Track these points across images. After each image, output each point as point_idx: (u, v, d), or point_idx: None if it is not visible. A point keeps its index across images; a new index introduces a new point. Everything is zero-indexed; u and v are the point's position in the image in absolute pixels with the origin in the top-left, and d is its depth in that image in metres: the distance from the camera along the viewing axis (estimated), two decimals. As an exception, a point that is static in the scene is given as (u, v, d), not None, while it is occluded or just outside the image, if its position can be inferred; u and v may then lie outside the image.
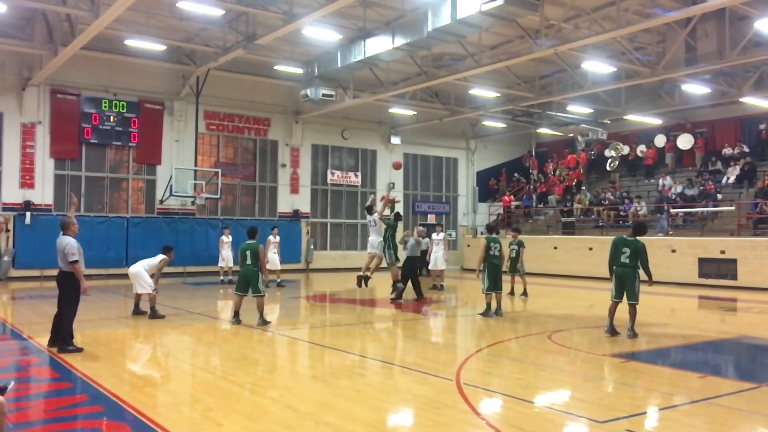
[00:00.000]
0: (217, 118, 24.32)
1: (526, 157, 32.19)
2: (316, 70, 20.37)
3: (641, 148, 26.98)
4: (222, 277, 20.10)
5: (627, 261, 9.79)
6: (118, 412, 5.79)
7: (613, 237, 10.28)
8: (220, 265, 20.11)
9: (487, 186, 31.64)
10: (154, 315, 11.68)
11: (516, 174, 31.57)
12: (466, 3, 13.68)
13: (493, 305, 12.17)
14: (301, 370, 8.23)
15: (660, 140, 26.49)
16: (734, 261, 19.46)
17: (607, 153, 27.60)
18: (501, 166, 32.11)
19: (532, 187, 29.91)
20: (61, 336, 8.43)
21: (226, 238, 19.99)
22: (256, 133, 25.31)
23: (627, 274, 9.82)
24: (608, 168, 27.52)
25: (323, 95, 20.46)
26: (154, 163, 23.01)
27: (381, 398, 6.43)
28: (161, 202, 22.91)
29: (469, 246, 29.01)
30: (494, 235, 12.47)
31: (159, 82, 22.72)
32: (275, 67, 21.42)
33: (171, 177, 22.12)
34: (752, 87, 20.39)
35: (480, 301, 12.63)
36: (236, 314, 11.20)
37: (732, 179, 23.03)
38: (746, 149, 23.88)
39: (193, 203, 23.21)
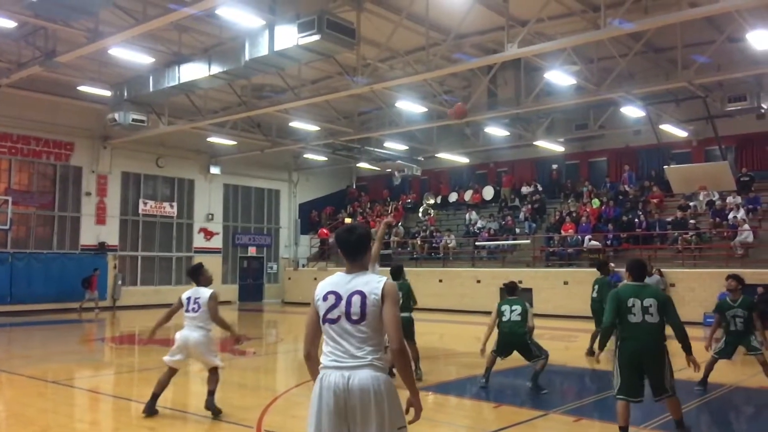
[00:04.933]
0: (9, 140, 21.84)
1: (352, 192, 32.91)
2: (126, 94, 19.10)
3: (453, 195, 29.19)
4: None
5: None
6: None
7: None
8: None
9: (309, 218, 31.67)
10: None
11: (331, 207, 31.99)
12: (283, 35, 13.59)
13: None
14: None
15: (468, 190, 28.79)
16: (530, 290, 21.16)
17: (423, 205, 29.07)
18: (323, 198, 32.38)
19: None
20: None
21: None
22: (56, 158, 23.08)
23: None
24: (421, 216, 28.74)
25: (133, 120, 19.19)
26: (-73, 188, 20.07)
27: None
28: (-66, 233, 19.95)
29: (290, 279, 28.71)
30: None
31: (-65, 97, 19.94)
32: (79, 88, 19.72)
33: (-53, 205, 19.38)
34: (544, 132, 22.65)
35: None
36: None
37: (522, 216, 25.18)
38: (540, 188, 26.35)
39: (-25, 234, 20.48)
